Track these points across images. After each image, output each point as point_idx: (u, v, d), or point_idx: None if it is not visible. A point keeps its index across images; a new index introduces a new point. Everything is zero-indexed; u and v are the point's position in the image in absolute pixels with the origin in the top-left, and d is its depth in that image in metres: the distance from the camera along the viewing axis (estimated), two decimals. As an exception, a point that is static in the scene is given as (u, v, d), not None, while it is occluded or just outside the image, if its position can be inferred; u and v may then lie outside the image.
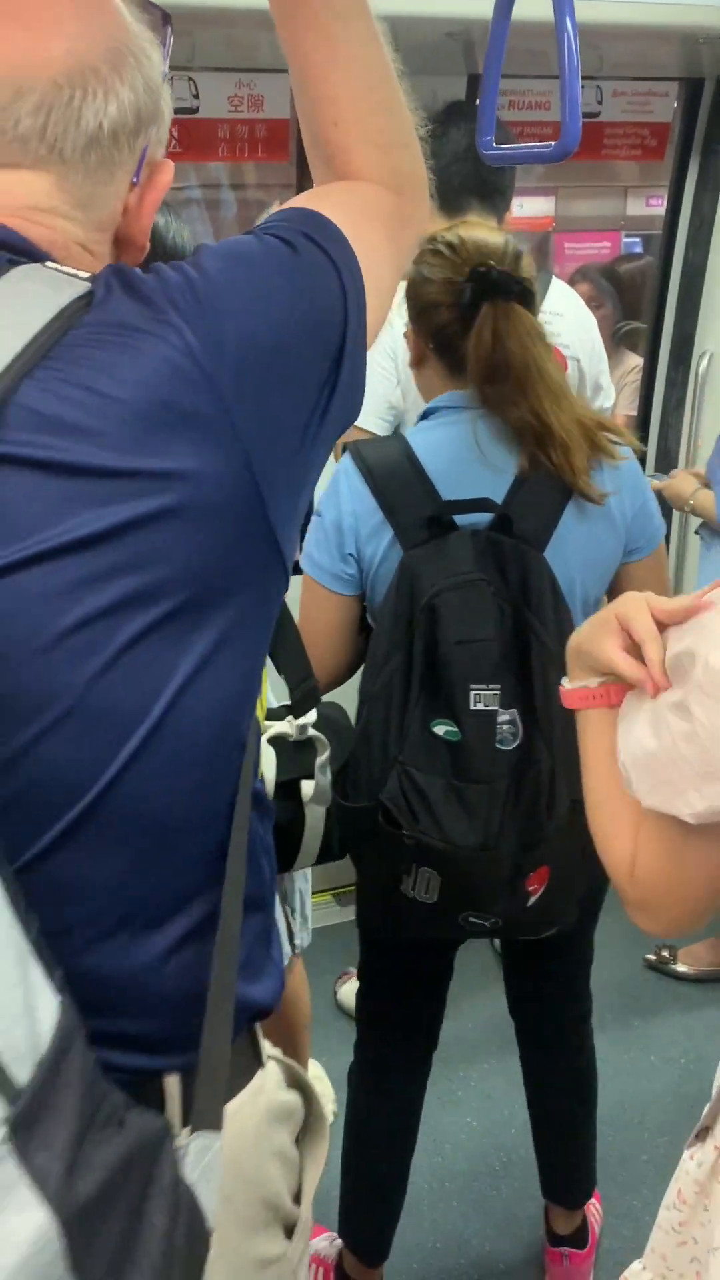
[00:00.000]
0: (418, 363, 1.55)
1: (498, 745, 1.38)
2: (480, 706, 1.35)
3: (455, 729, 1.36)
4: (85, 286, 0.69)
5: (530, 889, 1.44)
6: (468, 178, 1.93)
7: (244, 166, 2.48)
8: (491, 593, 1.38)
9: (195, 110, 2.34)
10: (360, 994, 1.76)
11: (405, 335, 1.56)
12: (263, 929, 0.80)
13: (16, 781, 0.62)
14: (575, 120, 0.92)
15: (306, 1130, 0.87)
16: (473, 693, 1.35)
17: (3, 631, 0.62)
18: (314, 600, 1.51)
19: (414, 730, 1.38)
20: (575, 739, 0.98)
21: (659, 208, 2.98)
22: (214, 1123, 0.66)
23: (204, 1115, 0.66)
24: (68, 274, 0.70)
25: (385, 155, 0.83)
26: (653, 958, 2.65)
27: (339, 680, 1.55)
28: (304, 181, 2.47)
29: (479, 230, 1.50)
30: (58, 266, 0.71)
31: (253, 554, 0.71)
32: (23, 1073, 0.55)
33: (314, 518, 1.51)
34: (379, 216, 0.82)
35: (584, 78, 1.05)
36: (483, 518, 1.41)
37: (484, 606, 1.36)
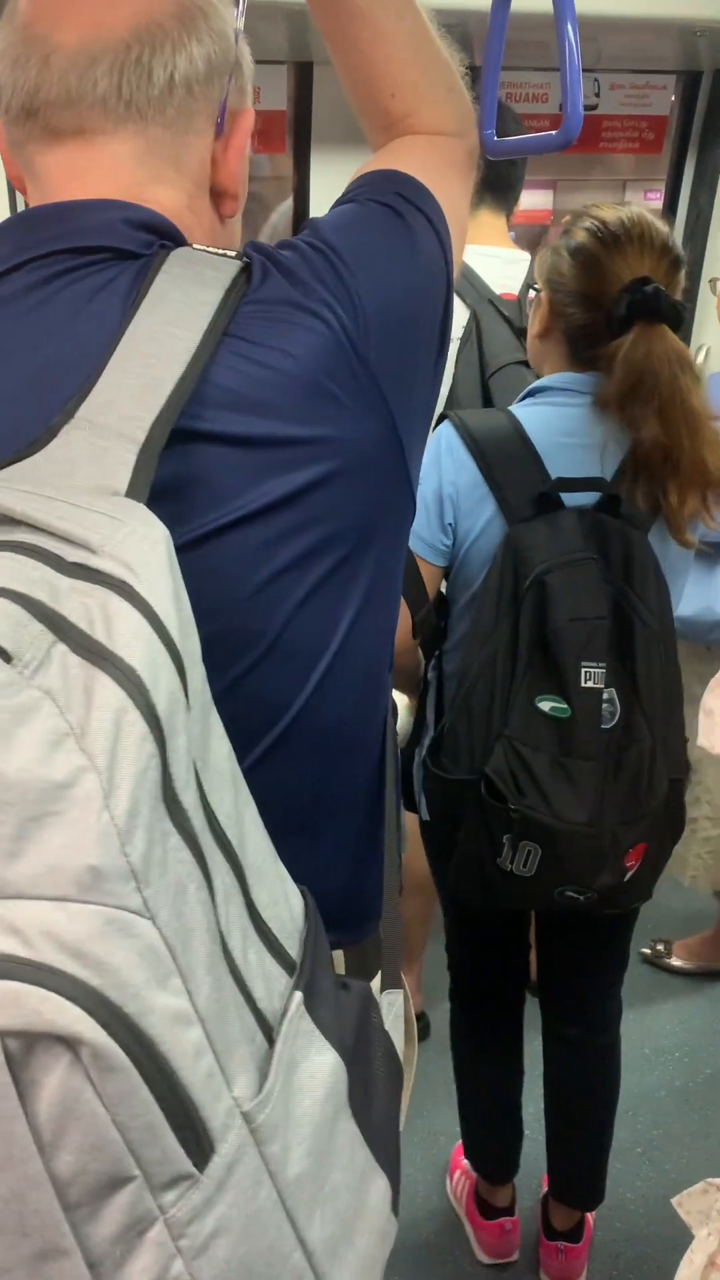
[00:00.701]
0: (543, 334, 1.53)
1: (602, 723, 1.41)
2: (590, 684, 1.38)
3: (564, 705, 1.39)
4: (238, 264, 0.75)
5: (628, 865, 1.48)
6: (479, 170, 1.92)
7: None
8: (600, 572, 1.40)
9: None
10: (449, 948, 1.84)
11: (535, 300, 1.54)
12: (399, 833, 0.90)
13: (233, 707, 0.67)
14: (577, 107, 0.92)
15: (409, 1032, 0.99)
16: (584, 670, 1.38)
17: (214, 585, 0.70)
18: (411, 571, 1.49)
19: (520, 705, 1.40)
20: (672, 718, 0.98)
21: (657, 201, 2.98)
22: (396, 982, 0.80)
23: (389, 977, 0.81)
24: (216, 254, 0.75)
25: (442, 107, 0.89)
26: (648, 951, 2.66)
27: (412, 649, 1.56)
28: (301, 172, 2.47)
29: (645, 225, 1.43)
30: (204, 248, 0.76)
31: (398, 502, 0.80)
32: (294, 949, 0.66)
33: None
34: (453, 164, 0.88)
35: (583, 70, 1.05)
36: (587, 496, 1.42)
37: (594, 585, 1.39)
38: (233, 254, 0.76)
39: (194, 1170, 0.55)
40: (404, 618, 1.47)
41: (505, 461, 1.45)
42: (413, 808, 1.64)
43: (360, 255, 0.77)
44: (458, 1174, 2.08)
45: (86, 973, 0.51)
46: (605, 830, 1.42)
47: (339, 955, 0.84)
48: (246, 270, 0.75)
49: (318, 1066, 0.64)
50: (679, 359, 1.41)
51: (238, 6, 0.80)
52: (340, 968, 0.85)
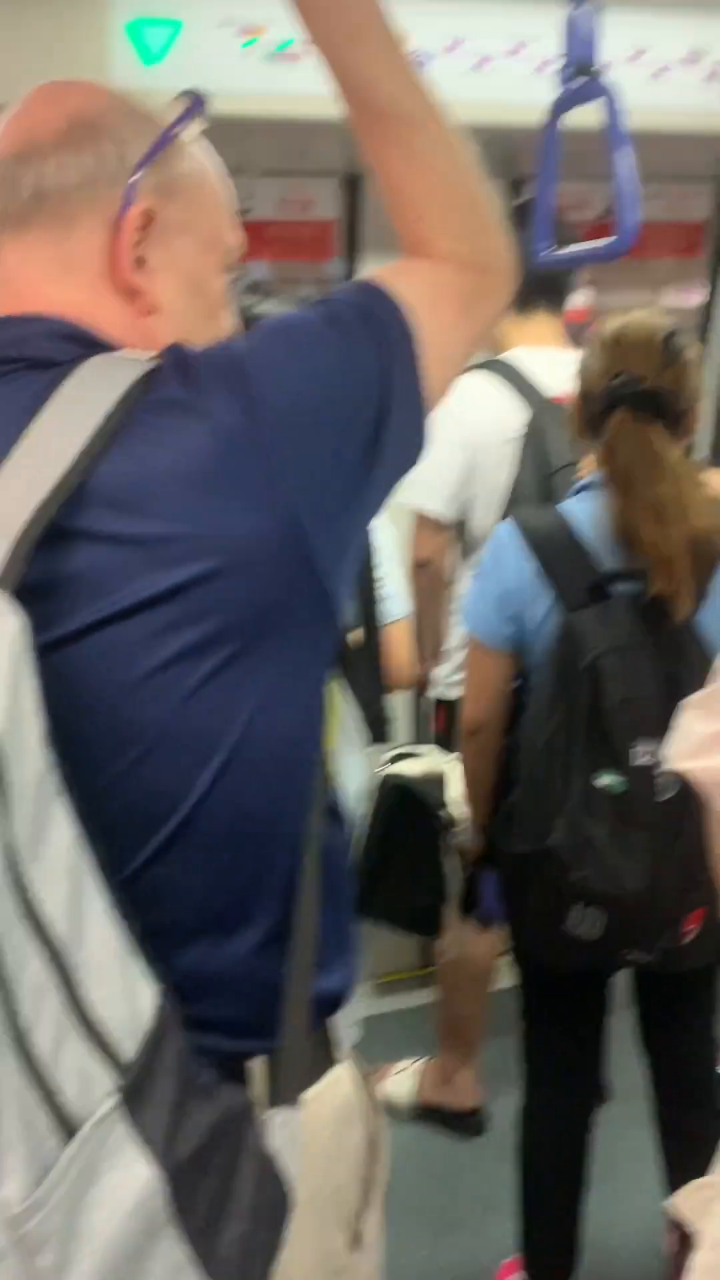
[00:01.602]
0: (581, 435, 1.63)
1: (656, 796, 1.45)
2: (643, 761, 1.43)
3: (620, 780, 1.45)
4: (145, 367, 0.75)
5: (688, 928, 1.52)
6: (536, 277, 1.98)
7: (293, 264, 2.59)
8: (649, 655, 1.46)
9: (249, 211, 2.45)
10: (525, 1036, 1.84)
11: (572, 408, 1.65)
12: (336, 927, 0.86)
13: (117, 804, 0.70)
14: (630, 223, 0.96)
15: (372, 1150, 0.94)
16: (637, 748, 1.43)
17: (93, 679, 0.70)
18: (477, 656, 1.65)
19: (579, 781, 1.46)
20: None
21: (695, 298, 3.05)
22: (292, 1099, 0.75)
23: (284, 1092, 0.76)
24: (131, 358, 0.77)
25: (463, 244, 0.89)
26: None
27: (500, 730, 1.64)
28: (350, 278, 2.56)
29: (641, 328, 1.54)
30: (125, 354, 0.78)
31: (302, 601, 0.78)
32: (129, 1048, 0.63)
33: (477, 580, 1.65)
34: (452, 294, 0.88)
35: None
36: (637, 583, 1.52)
37: (644, 667, 1.46)
38: (149, 355, 0.77)
39: None
40: (473, 701, 1.63)
41: (559, 555, 1.54)
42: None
43: (276, 356, 0.78)
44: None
45: None
46: (664, 896, 1.46)
47: (258, 1063, 0.78)
48: (156, 371, 0.75)
49: (124, 1179, 0.60)
50: (652, 446, 1.49)
51: (185, 119, 0.84)
52: (259, 1078, 0.78)
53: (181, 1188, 0.62)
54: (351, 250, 2.54)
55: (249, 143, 2.33)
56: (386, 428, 0.81)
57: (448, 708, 2.31)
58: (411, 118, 0.87)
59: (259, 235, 2.47)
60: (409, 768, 1.95)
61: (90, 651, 0.70)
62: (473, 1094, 2.41)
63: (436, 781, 1.94)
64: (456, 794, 1.64)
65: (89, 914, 0.63)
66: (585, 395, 1.57)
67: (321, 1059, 0.86)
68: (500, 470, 2.08)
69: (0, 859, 0.58)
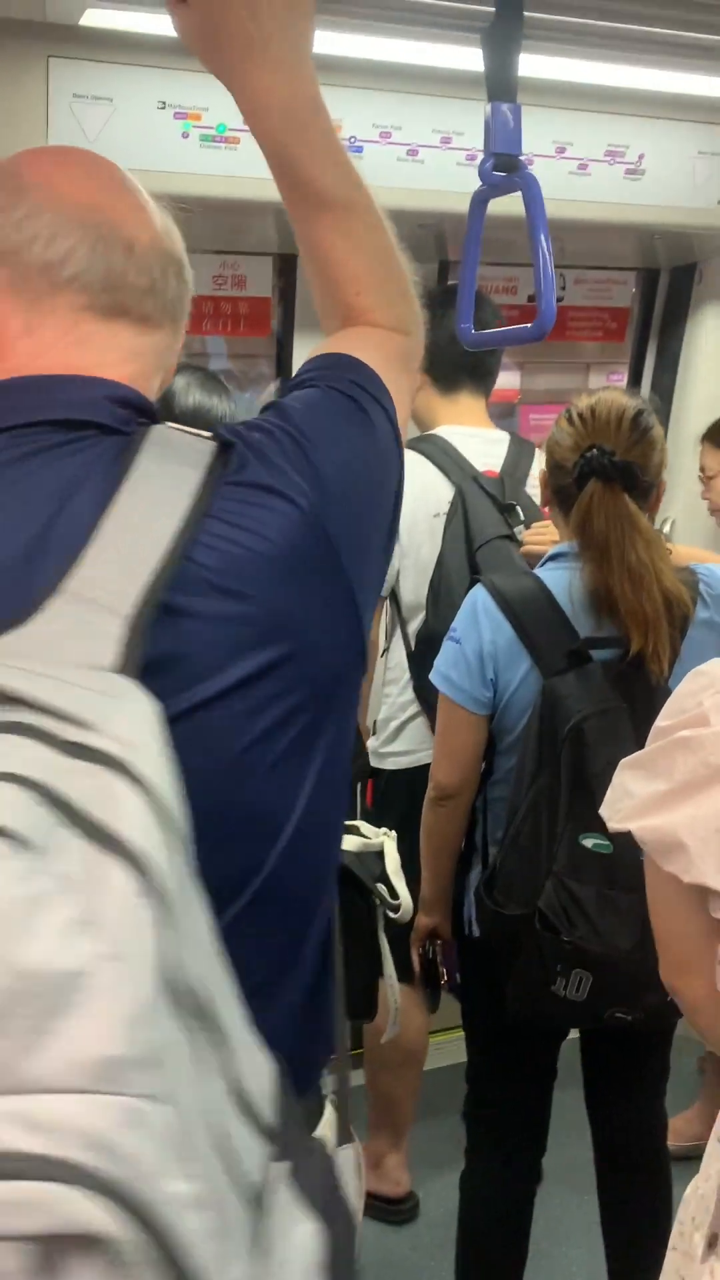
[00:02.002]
0: (545, 503, 1.76)
1: (642, 855, 1.42)
2: None
3: (606, 842, 1.48)
4: (213, 445, 0.79)
5: None
6: (462, 358, 2.04)
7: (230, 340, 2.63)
8: (629, 717, 1.51)
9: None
10: (469, 1099, 1.89)
11: (540, 478, 1.78)
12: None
13: (206, 878, 0.67)
14: (550, 305, 0.99)
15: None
16: None
17: (197, 757, 0.67)
18: (454, 721, 1.69)
19: (566, 843, 1.51)
20: None
21: (619, 382, 3.15)
22: (349, 1136, 0.81)
23: (342, 1131, 0.81)
24: (192, 433, 0.80)
25: (397, 309, 0.97)
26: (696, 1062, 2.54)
27: (473, 790, 1.72)
28: (285, 353, 2.60)
29: (612, 405, 1.63)
30: (178, 427, 0.81)
31: (354, 670, 0.84)
32: (270, 1115, 0.64)
33: (453, 644, 1.69)
34: (401, 359, 0.95)
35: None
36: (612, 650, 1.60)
37: (625, 730, 1.49)
38: (207, 435, 0.80)
39: None
40: (449, 765, 1.70)
41: (536, 621, 1.62)
42: (456, 931, 1.79)
43: (324, 439, 0.82)
44: None
45: (109, 1165, 0.50)
46: (652, 955, 1.43)
47: (329, 1107, 0.85)
48: (223, 451, 0.78)
49: (300, 1237, 0.63)
50: (619, 514, 1.58)
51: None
52: (327, 1123, 0.84)
53: (326, 1233, 0.66)
54: (285, 326, 2.59)
55: (187, 221, 2.38)
56: (399, 501, 0.89)
57: (377, 779, 2.30)
58: (351, 204, 0.93)
59: (198, 310, 2.50)
60: (344, 843, 1.93)
61: (192, 731, 0.68)
62: (403, 1180, 2.35)
63: (372, 857, 1.76)
64: (394, 867, 1.59)
65: (222, 989, 0.62)
66: (557, 468, 1.66)
67: (314, 1112, 0.89)
68: (427, 544, 2.13)
69: (181, 944, 0.57)
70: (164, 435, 0.78)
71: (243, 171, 2.02)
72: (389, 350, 0.94)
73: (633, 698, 1.53)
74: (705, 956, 1.05)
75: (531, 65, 1.90)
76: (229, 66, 0.88)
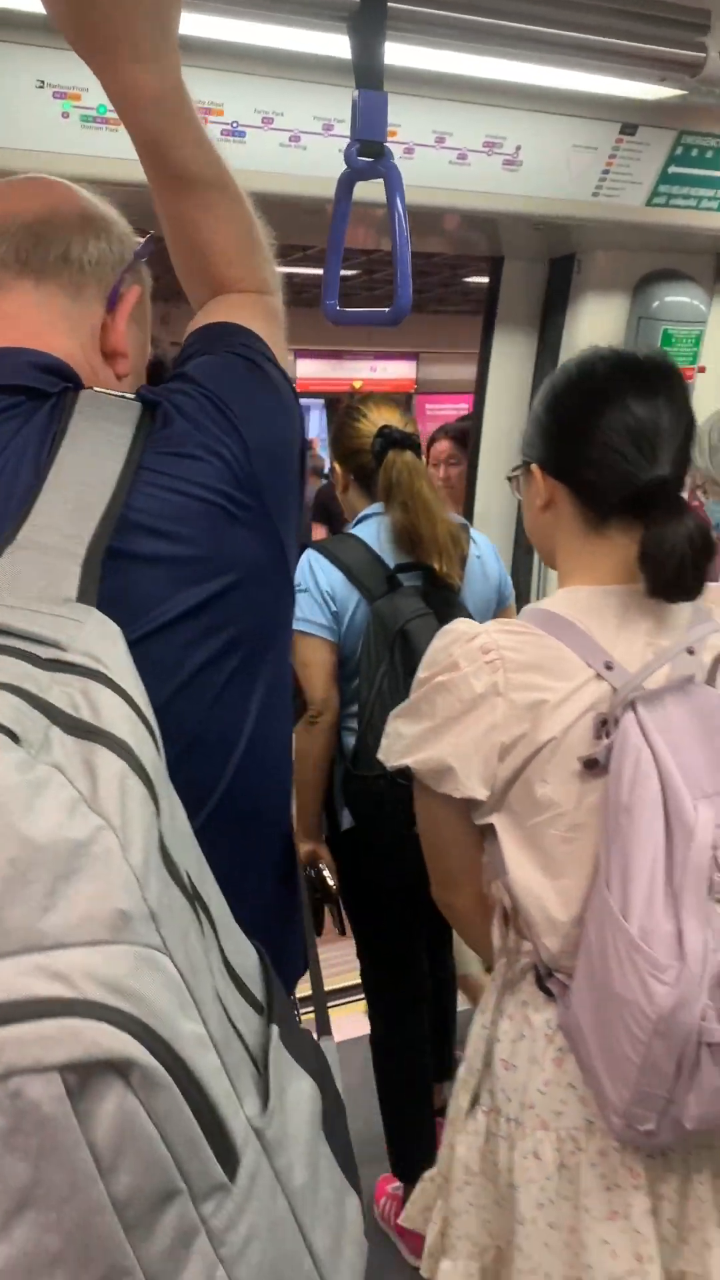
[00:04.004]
0: (344, 490, 2.41)
1: None
2: None
3: None
4: (139, 405, 0.87)
5: None
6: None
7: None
8: (436, 620, 2.06)
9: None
10: (366, 965, 2.47)
11: (333, 469, 2.42)
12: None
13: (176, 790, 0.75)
14: (406, 290, 1.04)
15: None
16: None
17: (147, 683, 0.73)
18: (311, 649, 2.20)
19: None
20: None
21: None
22: (328, 1030, 0.88)
23: (322, 1025, 0.88)
24: (118, 395, 0.88)
25: (262, 273, 1.04)
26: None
27: (335, 711, 2.24)
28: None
29: (384, 398, 2.44)
30: (106, 391, 0.89)
31: (286, 605, 0.94)
32: (259, 992, 0.73)
33: (300, 593, 2.19)
34: (270, 316, 1.03)
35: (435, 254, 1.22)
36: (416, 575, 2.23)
37: (435, 629, 1.66)
38: (128, 396, 0.89)
39: (227, 1180, 0.60)
40: (316, 685, 2.21)
41: (356, 562, 2.22)
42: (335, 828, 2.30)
43: (238, 399, 0.90)
44: (383, 1200, 2.52)
45: (127, 1004, 0.56)
46: None
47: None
48: (149, 410, 0.88)
49: (300, 1091, 0.71)
50: (414, 469, 2.23)
51: (150, 244, 1.03)
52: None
53: (321, 1097, 0.74)
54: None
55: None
56: (305, 449, 0.98)
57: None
58: (216, 182, 0.98)
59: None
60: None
61: (143, 659, 0.73)
62: None
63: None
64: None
65: (207, 880, 0.71)
66: (356, 453, 2.31)
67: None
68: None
69: (171, 827, 0.65)
70: (93, 398, 0.87)
71: (123, 153, 2.02)
72: (261, 310, 1.01)
73: (438, 606, 2.16)
74: (473, 867, 1.25)
75: (411, 56, 1.95)
76: (97, 57, 0.90)
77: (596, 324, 2.93)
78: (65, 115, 1.95)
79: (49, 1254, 0.54)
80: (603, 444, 1.16)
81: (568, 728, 1.14)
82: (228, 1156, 0.60)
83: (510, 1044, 1.24)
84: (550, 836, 1.16)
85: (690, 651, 1.16)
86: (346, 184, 1.12)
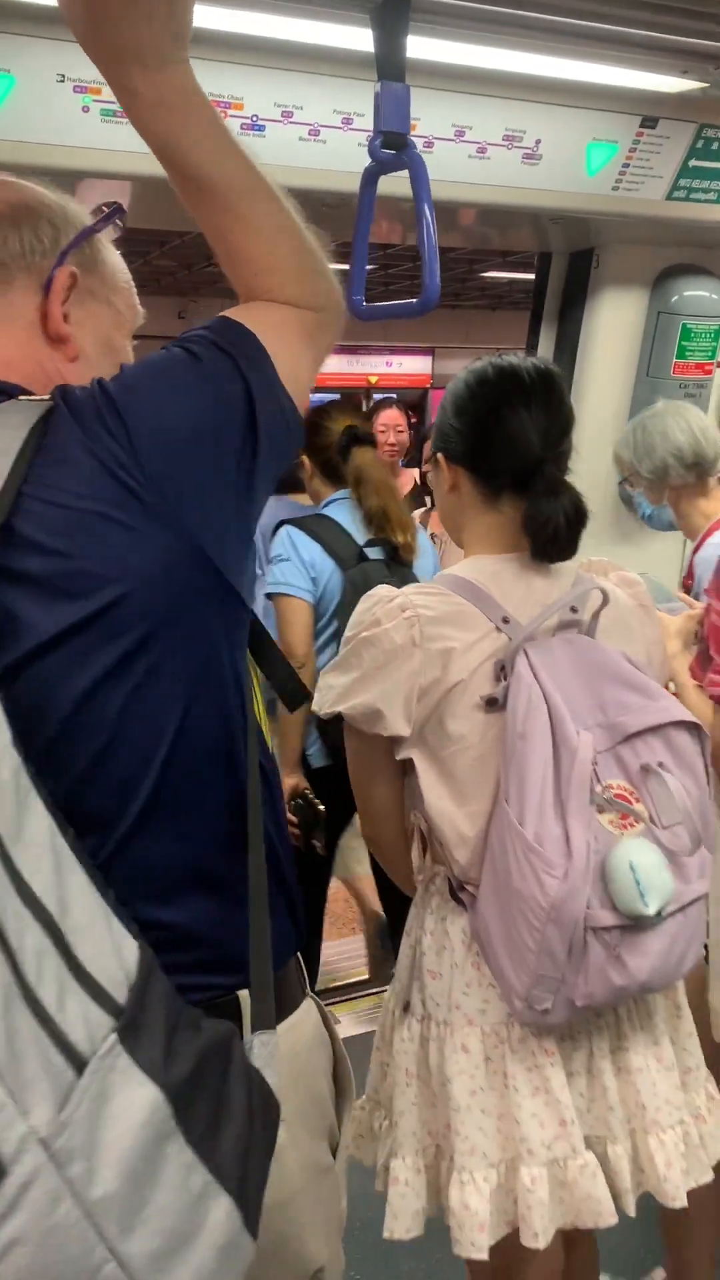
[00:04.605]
0: (311, 478, 2.89)
1: None
2: None
3: None
4: (40, 411, 0.86)
5: None
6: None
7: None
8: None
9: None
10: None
11: (301, 464, 2.88)
12: (280, 879, 1.00)
13: (90, 796, 0.82)
14: (434, 279, 1.03)
15: (336, 1075, 1.12)
16: None
17: (40, 701, 0.80)
18: (294, 610, 2.65)
19: None
20: None
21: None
22: (268, 1023, 0.88)
23: (260, 1018, 0.88)
24: (25, 403, 0.88)
25: (301, 288, 1.00)
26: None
27: (314, 662, 2.63)
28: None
29: (345, 408, 2.94)
30: (28, 398, 0.89)
31: (210, 600, 0.90)
32: (120, 994, 0.74)
33: (283, 562, 2.66)
34: (296, 326, 1.00)
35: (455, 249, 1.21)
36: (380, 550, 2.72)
37: None
38: (43, 400, 0.88)
39: None
40: (297, 642, 2.64)
41: (331, 537, 2.68)
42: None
43: (143, 391, 0.89)
44: None
45: None
46: None
47: (244, 995, 0.93)
48: (50, 414, 0.87)
49: (132, 1099, 0.71)
50: (380, 461, 2.76)
51: (105, 221, 1.01)
52: (245, 1008, 0.93)
53: (181, 1102, 0.73)
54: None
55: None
56: (257, 432, 0.92)
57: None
58: (243, 188, 0.95)
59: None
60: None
61: (29, 681, 0.79)
62: None
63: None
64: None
65: (70, 887, 0.74)
66: (325, 448, 2.76)
67: (292, 994, 1.03)
68: None
69: None
70: (8, 408, 0.87)
71: (143, 147, 2.02)
72: (284, 321, 0.98)
73: (398, 575, 2.60)
74: (396, 803, 1.46)
75: (431, 49, 1.95)
76: (106, 64, 0.90)
77: (615, 318, 2.93)
78: (86, 109, 1.96)
79: None
80: (494, 436, 1.39)
81: (473, 671, 1.34)
82: None
83: (434, 956, 1.41)
84: (460, 766, 1.35)
85: (573, 609, 1.38)
86: (371, 178, 1.11)
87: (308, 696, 1.39)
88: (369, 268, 1.26)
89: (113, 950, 0.75)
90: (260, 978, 0.90)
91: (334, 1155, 1.09)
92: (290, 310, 0.99)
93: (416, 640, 1.34)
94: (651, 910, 1.24)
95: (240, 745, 0.94)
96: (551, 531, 1.36)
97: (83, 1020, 0.71)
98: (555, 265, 2.99)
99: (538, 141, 2.36)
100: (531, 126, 2.33)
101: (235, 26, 1.88)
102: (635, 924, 1.25)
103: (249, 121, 2.07)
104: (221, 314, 0.98)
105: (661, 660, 1.53)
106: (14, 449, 0.83)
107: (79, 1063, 0.69)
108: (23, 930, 0.70)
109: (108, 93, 1.97)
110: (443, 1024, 1.39)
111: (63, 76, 1.92)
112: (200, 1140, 0.74)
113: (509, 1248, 1.33)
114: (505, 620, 1.36)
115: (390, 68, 1.10)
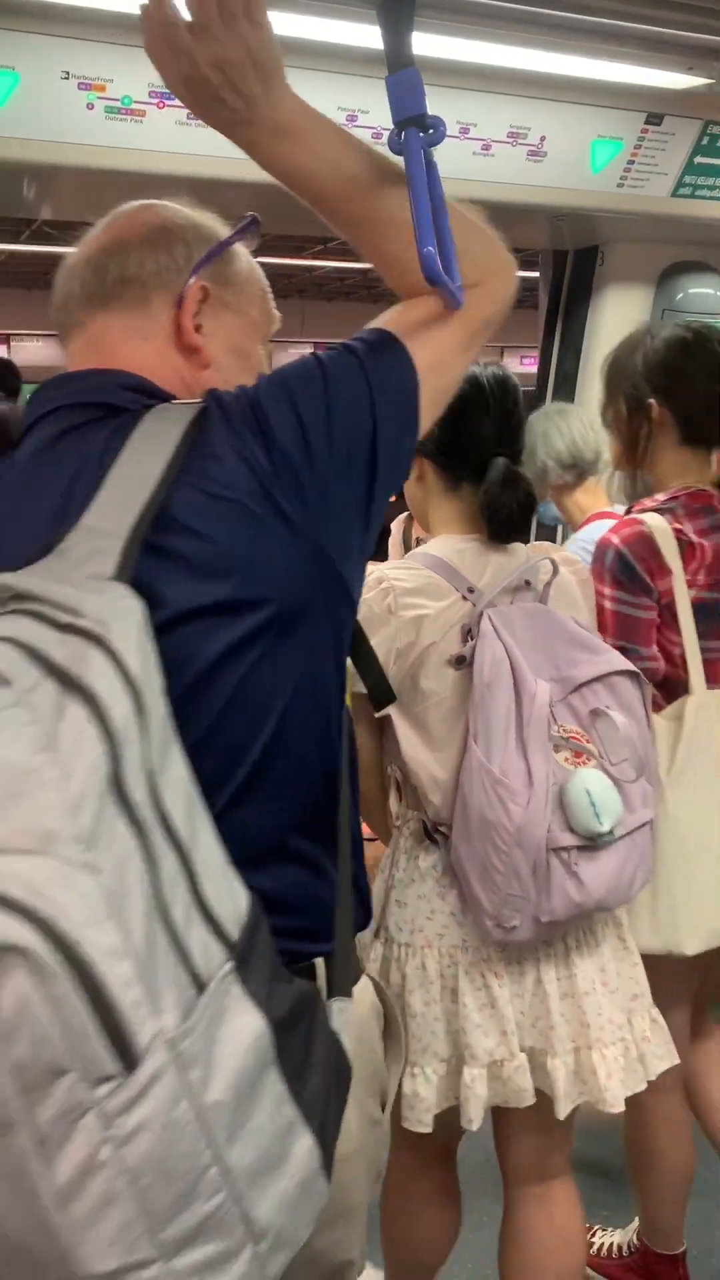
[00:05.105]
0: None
1: None
2: None
3: None
4: (194, 410, 0.94)
5: None
6: None
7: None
8: None
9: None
10: None
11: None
12: (357, 859, 1.08)
13: (206, 756, 0.86)
14: (455, 276, 1.02)
15: (387, 1037, 1.19)
16: None
17: (174, 661, 0.84)
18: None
19: None
20: None
21: (532, 366, 3.21)
22: (346, 991, 0.96)
23: (339, 985, 0.96)
24: (183, 404, 0.97)
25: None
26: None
27: None
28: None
29: None
30: (178, 402, 0.98)
31: (327, 597, 0.98)
32: (234, 933, 0.79)
33: None
34: (455, 323, 1.05)
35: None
36: None
37: None
38: (196, 402, 0.96)
39: (119, 1073, 0.69)
40: None
41: None
42: None
43: (276, 403, 0.96)
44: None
45: (40, 905, 0.67)
46: None
47: (320, 963, 0.99)
48: (204, 413, 0.94)
49: (242, 1023, 0.77)
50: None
51: (239, 234, 1.08)
52: (322, 977, 0.99)
53: (279, 1037, 0.79)
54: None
55: (98, 193, 2.37)
56: (379, 452, 0.99)
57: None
58: (370, 193, 1.02)
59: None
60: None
61: (170, 640, 0.84)
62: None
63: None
64: None
65: (199, 829, 0.80)
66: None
67: (357, 966, 1.09)
68: None
69: (143, 773, 0.75)
70: (160, 409, 0.96)
71: (148, 144, 2.02)
72: (422, 314, 1.03)
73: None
74: (376, 755, 1.59)
75: (436, 45, 1.95)
76: (222, 130, 1.01)
77: (619, 316, 2.92)
78: (90, 106, 1.96)
79: None
80: (458, 433, 1.55)
81: (443, 635, 1.50)
82: (125, 1055, 0.69)
83: (403, 888, 1.59)
84: (432, 718, 1.52)
85: (528, 581, 1.58)
86: (416, 162, 1.05)
87: (393, 698, 1.50)
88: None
89: (229, 893, 0.81)
90: (344, 946, 0.99)
91: (383, 1109, 1.18)
92: (432, 303, 1.03)
93: (392, 608, 1.51)
94: (606, 827, 1.43)
95: (334, 731, 1.02)
96: (505, 516, 1.55)
97: (202, 948, 0.76)
98: (558, 263, 2.98)
99: (542, 138, 2.35)
100: (536, 123, 2.33)
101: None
102: (591, 843, 1.45)
103: (253, 118, 2.08)
104: (377, 324, 1.04)
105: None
106: (172, 442, 0.92)
107: (199, 983, 0.75)
108: (163, 855, 0.75)
109: (111, 90, 1.99)
110: (405, 946, 1.57)
111: (67, 73, 1.92)
112: (291, 1078, 0.80)
113: (448, 1123, 1.54)
114: (470, 590, 1.54)
115: (398, 62, 1.09)
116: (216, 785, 0.90)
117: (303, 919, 0.98)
